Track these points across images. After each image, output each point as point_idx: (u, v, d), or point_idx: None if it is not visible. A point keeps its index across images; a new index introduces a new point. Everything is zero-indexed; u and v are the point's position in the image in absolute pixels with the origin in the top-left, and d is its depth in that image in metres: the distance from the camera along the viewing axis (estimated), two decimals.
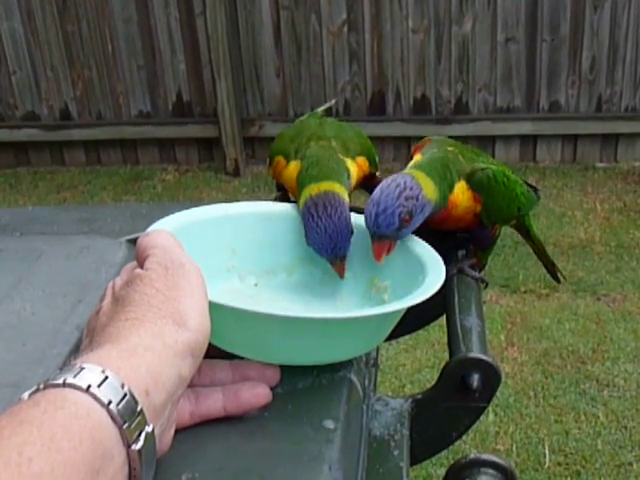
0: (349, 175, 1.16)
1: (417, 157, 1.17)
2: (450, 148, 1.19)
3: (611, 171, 5.12)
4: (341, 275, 1.06)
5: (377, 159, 1.29)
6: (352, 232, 1.05)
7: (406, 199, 1.03)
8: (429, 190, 1.06)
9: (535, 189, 1.37)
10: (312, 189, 1.08)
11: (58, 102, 5.69)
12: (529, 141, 5.26)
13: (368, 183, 1.27)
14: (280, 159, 1.22)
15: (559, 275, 1.55)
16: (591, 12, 4.90)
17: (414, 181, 1.05)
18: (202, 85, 5.49)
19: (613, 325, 3.49)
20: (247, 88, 5.46)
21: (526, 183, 1.33)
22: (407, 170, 1.09)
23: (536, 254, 1.49)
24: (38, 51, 5.56)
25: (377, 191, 1.04)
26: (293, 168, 1.17)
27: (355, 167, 1.19)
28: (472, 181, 1.14)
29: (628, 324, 3.49)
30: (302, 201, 1.08)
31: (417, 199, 1.04)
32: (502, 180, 1.18)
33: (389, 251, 1.03)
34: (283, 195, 1.30)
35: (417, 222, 1.05)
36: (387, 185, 1.04)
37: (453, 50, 5.13)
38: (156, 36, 5.42)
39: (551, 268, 1.52)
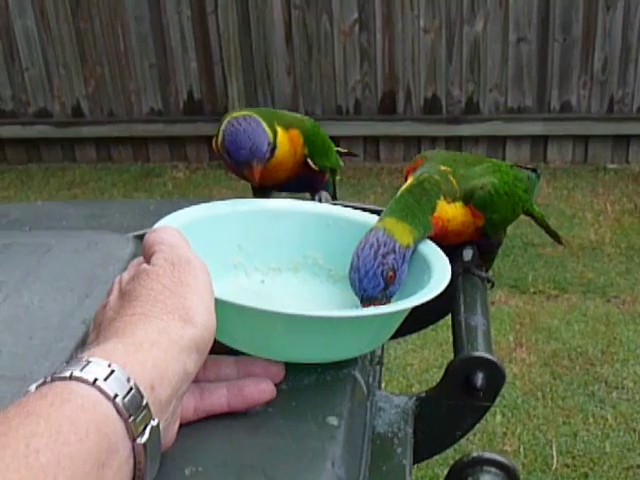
0: (275, 133, 1.21)
1: (409, 181, 1.16)
2: (443, 167, 1.17)
3: (622, 172, 5.11)
4: (254, 180, 1.16)
5: (324, 147, 1.36)
6: (270, 143, 1.16)
7: (383, 257, 1.00)
8: (404, 236, 1.03)
9: (533, 170, 1.37)
10: (236, 113, 1.19)
11: (70, 99, 5.71)
12: (540, 141, 5.25)
13: (315, 179, 1.35)
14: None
15: (561, 239, 1.55)
16: (604, 12, 4.89)
17: (386, 235, 1.02)
18: (213, 83, 5.51)
19: (622, 327, 3.48)
20: (258, 87, 5.46)
21: (521, 167, 1.33)
22: (378, 222, 1.07)
23: (539, 225, 1.47)
24: (51, 48, 5.59)
25: (354, 257, 1.01)
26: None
27: (283, 133, 1.24)
28: (473, 201, 1.13)
29: (638, 326, 3.48)
30: (223, 123, 1.19)
31: (395, 251, 1.01)
32: (504, 191, 1.17)
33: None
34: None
35: (402, 274, 1.02)
36: (361, 249, 1.01)
37: (464, 50, 5.13)
38: (168, 34, 5.43)
39: (554, 236, 1.51)
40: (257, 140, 1.14)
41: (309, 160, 1.30)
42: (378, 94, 5.34)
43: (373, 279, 1.00)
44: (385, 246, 1.01)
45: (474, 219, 1.15)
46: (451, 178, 1.15)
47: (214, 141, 1.27)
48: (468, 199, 1.14)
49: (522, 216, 1.32)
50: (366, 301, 1.01)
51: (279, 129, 1.23)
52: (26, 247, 1.17)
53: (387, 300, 1.01)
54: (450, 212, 1.13)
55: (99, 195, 5.29)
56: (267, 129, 1.18)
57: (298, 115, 1.35)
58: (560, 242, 1.56)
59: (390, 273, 1.00)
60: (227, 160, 1.20)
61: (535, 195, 1.38)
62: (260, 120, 1.17)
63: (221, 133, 1.19)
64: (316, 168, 1.32)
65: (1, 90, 5.75)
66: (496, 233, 1.22)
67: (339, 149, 1.49)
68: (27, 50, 5.62)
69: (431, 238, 1.10)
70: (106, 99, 5.68)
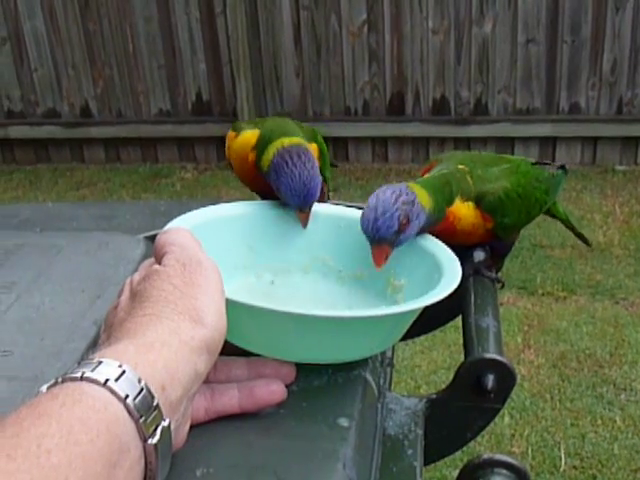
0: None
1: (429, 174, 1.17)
2: (461, 166, 1.17)
3: (631, 174, 5.09)
4: (304, 224, 1.09)
5: (328, 174, 1.31)
6: (406, 223, 1.04)
7: (403, 203, 1.02)
8: (423, 198, 1.05)
9: (561, 167, 1.36)
10: (283, 141, 1.09)
11: (79, 100, 5.73)
12: (548, 143, 5.24)
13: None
14: (230, 133, 1.22)
15: (588, 240, 1.56)
16: (613, 13, 4.88)
17: (408, 189, 1.04)
18: (222, 84, 5.51)
19: (631, 329, 3.46)
20: (266, 88, 5.47)
21: (548, 164, 1.32)
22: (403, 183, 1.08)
23: (565, 225, 1.47)
24: (60, 49, 5.60)
25: (372, 198, 1.03)
26: (247, 136, 1.17)
27: (311, 148, 1.18)
28: (482, 205, 1.13)
29: None
30: (272, 152, 1.08)
31: (413, 204, 1.03)
32: (516, 195, 1.17)
33: (388, 259, 1.03)
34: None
35: (413, 229, 1.04)
36: (382, 192, 1.03)
37: (473, 51, 5.12)
38: (177, 35, 5.44)
39: (580, 236, 1.51)
40: (313, 187, 1.06)
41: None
42: (387, 95, 5.33)
43: (389, 220, 1.00)
44: (406, 195, 1.03)
45: (484, 222, 1.15)
46: (468, 178, 1.15)
47: (236, 144, 1.21)
48: (479, 201, 1.14)
49: None
50: (376, 242, 1.01)
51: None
52: (37, 248, 1.17)
53: (391, 251, 1.02)
54: (463, 211, 1.13)
55: (107, 196, 5.30)
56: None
57: (306, 126, 1.29)
58: (587, 243, 1.56)
59: (404, 220, 1.01)
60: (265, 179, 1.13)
61: (559, 191, 1.37)
62: (311, 154, 1.09)
63: (269, 164, 1.09)
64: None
65: (10, 91, 5.77)
66: (508, 236, 1.21)
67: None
68: (36, 51, 5.64)
69: (439, 236, 1.11)
70: (115, 100, 5.70)
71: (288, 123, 1.19)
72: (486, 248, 1.25)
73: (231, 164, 1.24)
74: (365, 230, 1.02)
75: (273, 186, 1.09)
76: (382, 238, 1.01)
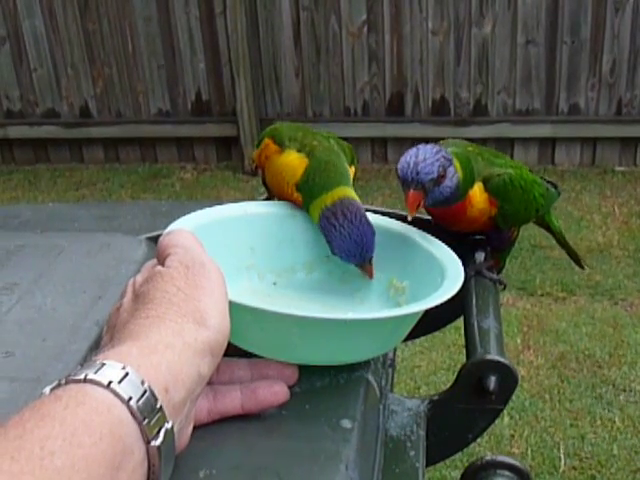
0: (351, 182, 1.13)
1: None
2: (470, 148, 1.19)
3: (630, 175, 5.10)
4: (371, 276, 1.06)
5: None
6: (374, 232, 1.04)
7: (443, 157, 1.04)
8: (457, 165, 1.08)
9: (554, 185, 1.37)
10: (326, 199, 1.05)
11: (78, 100, 5.72)
12: (548, 144, 5.24)
13: None
14: (269, 141, 1.16)
15: (582, 263, 1.56)
16: (612, 15, 4.88)
17: (448, 153, 1.07)
18: (221, 84, 5.51)
19: (630, 329, 3.47)
20: (266, 88, 5.47)
21: (545, 180, 1.33)
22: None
23: (558, 244, 1.49)
24: (59, 49, 5.60)
25: (412, 149, 1.04)
26: (295, 160, 1.12)
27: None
28: (489, 185, 1.14)
29: None
30: (317, 213, 1.05)
31: (450, 162, 1.05)
32: (519, 184, 1.18)
33: (419, 206, 1.03)
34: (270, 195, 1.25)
35: (446, 189, 1.05)
36: (423, 145, 1.05)
37: (472, 52, 5.12)
38: (176, 35, 5.44)
39: (574, 256, 1.52)
40: (367, 243, 1.03)
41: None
42: (386, 96, 5.33)
43: (430, 166, 1.02)
44: (446, 153, 1.05)
45: (490, 207, 1.15)
46: (479, 158, 1.16)
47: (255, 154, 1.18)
48: (486, 182, 1.14)
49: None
50: (413, 186, 1.02)
51: (350, 169, 1.15)
52: (38, 249, 1.17)
53: (424, 201, 1.03)
54: (478, 197, 1.14)
55: (107, 196, 5.30)
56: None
57: (346, 144, 1.23)
58: (580, 265, 1.56)
59: (443, 172, 1.03)
60: None
61: (551, 208, 1.38)
62: (358, 206, 1.05)
63: (317, 222, 1.06)
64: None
65: (9, 90, 5.77)
66: (506, 225, 1.21)
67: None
68: (35, 51, 5.63)
69: (447, 215, 1.11)
70: (114, 100, 5.69)
71: (332, 152, 1.13)
72: (486, 249, 1.25)
73: (261, 169, 1.20)
74: (404, 173, 1.02)
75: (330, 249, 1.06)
76: (420, 182, 1.02)
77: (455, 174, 1.07)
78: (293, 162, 1.12)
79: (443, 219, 1.17)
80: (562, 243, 1.48)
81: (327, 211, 1.04)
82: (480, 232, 1.24)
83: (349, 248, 1.02)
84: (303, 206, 1.09)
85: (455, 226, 1.19)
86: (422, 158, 1.03)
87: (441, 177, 1.03)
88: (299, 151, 1.13)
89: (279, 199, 1.17)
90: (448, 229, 1.18)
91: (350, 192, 1.06)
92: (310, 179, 1.08)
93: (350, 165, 1.16)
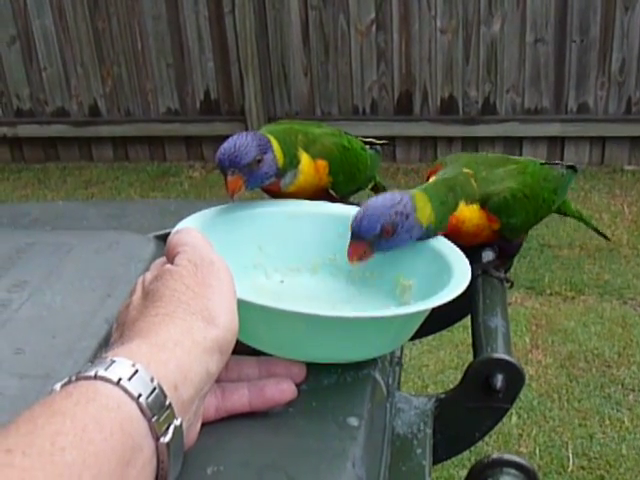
0: (296, 163, 1.16)
1: (433, 179, 1.18)
2: (465, 170, 1.18)
3: (639, 174, 5.08)
4: (230, 192, 1.07)
5: (353, 173, 1.28)
6: (260, 161, 1.07)
7: (395, 213, 1.03)
8: (424, 214, 1.05)
9: (571, 166, 1.36)
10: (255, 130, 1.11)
11: (87, 99, 5.74)
12: (557, 143, 5.23)
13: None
14: None
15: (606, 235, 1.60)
16: (622, 13, 4.86)
17: (411, 202, 1.05)
18: (230, 83, 5.52)
19: (639, 329, 3.46)
20: (274, 87, 5.47)
21: (558, 163, 1.33)
22: (413, 190, 1.09)
23: (579, 221, 1.49)
24: (69, 48, 5.62)
25: (373, 198, 1.05)
26: None
27: (310, 164, 1.18)
28: (488, 206, 1.14)
29: None
30: None
31: (407, 217, 1.04)
32: (523, 194, 1.17)
33: (363, 258, 1.03)
34: None
35: (402, 241, 1.05)
36: (384, 196, 1.05)
37: (481, 50, 5.11)
38: (185, 34, 5.45)
39: (596, 230, 1.53)
40: (241, 151, 1.06)
41: (331, 190, 1.24)
42: (395, 94, 5.33)
43: (373, 222, 1.02)
44: (404, 207, 1.04)
45: (489, 223, 1.15)
46: (472, 181, 1.15)
47: None
48: (484, 203, 1.14)
49: None
50: (354, 238, 1.03)
51: (305, 157, 1.17)
52: (48, 247, 1.17)
53: (369, 252, 1.03)
54: (466, 214, 1.13)
55: (116, 194, 5.31)
56: (276, 152, 1.11)
57: (332, 138, 1.25)
58: (606, 237, 1.62)
59: (389, 228, 1.02)
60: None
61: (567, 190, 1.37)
62: (268, 140, 1.10)
63: None
64: (337, 197, 1.25)
65: (19, 89, 5.79)
66: (516, 236, 1.22)
67: (372, 141, 1.42)
68: (45, 50, 5.66)
69: (446, 236, 1.11)
70: (123, 98, 5.71)
71: (305, 134, 1.19)
72: (495, 248, 1.25)
73: None
74: (351, 223, 1.03)
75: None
76: (359, 235, 1.03)
77: (415, 224, 1.05)
78: None
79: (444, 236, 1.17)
80: (583, 221, 1.47)
81: (242, 133, 1.09)
82: (489, 243, 1.23)
83: (225, 147, 1.06)
84: None
85: (459, 240, 1.18)
86: (369, 213, 1.03)
87: (387, 232, 1.03)
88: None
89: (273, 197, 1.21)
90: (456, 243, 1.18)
91: (274, 141, 1.11)
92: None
93: (318, 158, 1.19)
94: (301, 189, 1.18)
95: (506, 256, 1.25)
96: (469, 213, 1.13)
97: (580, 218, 1.44)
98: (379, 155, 1.42)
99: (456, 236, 1.13)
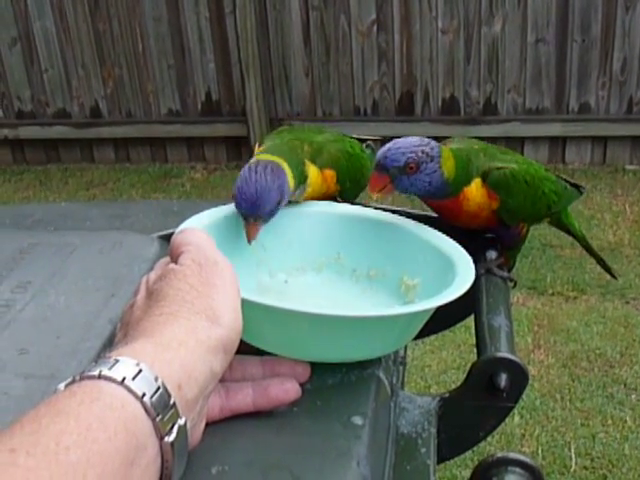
0: (305, 178, 1.14)
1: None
2: (475, 146, 1.20)
3: None
4: (249, 238, 1.03)
5: (360, 179, 1.27)
6: (280, 202, 1.04)
7: (422, 152, 1.06)
8: (447, 165, 1.08)
9: (577, 186, 1.36)
10: (264, 156, 1.08)
11: (89, 100, 5.74)
12: (558, 143, 5.23)
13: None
14: (257, 146, 1.22)
15: (613, 272, 1.58)
16: (623, 13, 4.86)
17: (438, 149, 1.08)
18: (231, 84, 5.52)
19: None
20: (276, 87, 5.47)
21: (566, 180, 1.33)
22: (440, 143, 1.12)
23: (586, 251, 1.49)
24: (70, 49, 5.62)
25: (402, 138, 1.07)
26: (257, 152, 1.17)
27: (318, 176, 1.17)
28: (488, 179, 1.15)
29: None
30: (249, 163, 1.07)
31: (432, 159, 1.07)
32: (523, 178, 1.18)
33: (383, 191, 1.06)
34: None
35: (422, 183, 1.08)
36: (412, 137, 1.08)
37: (482, 51, 5.11)
38: (186, 35, 5.45)
39: (602, 264, 1.52)
40: (264, 199, 1.02)
41: (338, 198, 1.24)
42: (396, 95, 5.33)
43: (399, 155, 1.06)
44: (431, 149, 1.08)
45: (490, 201, 1.15)
46: (482, 155, 1.17)
47: None
48: (485, 177, 1.14)
49: None
50: (377, 169, 1.07)
51: (312, 170, 1.16)
52: (51, 247, 1.18)
53: (390, 187, 1.08)
54: (474, 193, 1.14)
55: (117, 195, 5.31)
56: (290, 178, 1.07)
57: (337, 144, 1.24)
58: (612, 274, 1.59)
59: (412, 164, 1.06)
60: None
61: (569, 205, 1.38)
62: (283, 170, 1.06)
63: (247, 164, 1.08)
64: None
65: (20, 91, 5.79)
66: (512, 220, 1.21)
67: (365, 138, 1.41)
68: (46, 51, 5.66)
69: (444, 210, 1.12)
70: (124, 100, 5.71)
71: (296, 151, 1.16)
72: (497, 247, 1.25)
73: None
74: (377, 154, 1.06)
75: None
76: (383, 166, 1.05)
77: (438, 171, 1.08)
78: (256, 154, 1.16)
79: (441, 213, 1.18)
80: (588, 250, 1.47)
81: (254, 163, 1.05)
82: (487, 228, 1.23)
83: (246, 193, 1.02)
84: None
85: (457, 221, 1.19)
86: (397, 146, 1.06)
87: (409, 168, 1.05)
88: (268, 146, 1.18)
89: None
90: (454, 224, 1.19)
91: (287, 168, 1.08)
92: (262, 152, 1.13)
93: (326, 168, 1.18)
94: (308, 198, 1.17)
95: (506, 248, 1.25)
96: (475, 190, 1.14)
97: (584, 240, 1.44)
98: (374, 154, 1.41)
99: (456, 215, 1.14)
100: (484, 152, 1.18)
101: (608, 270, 1.54)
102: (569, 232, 1.41)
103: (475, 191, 1.14)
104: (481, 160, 1.16)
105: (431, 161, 1.07)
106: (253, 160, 1.07)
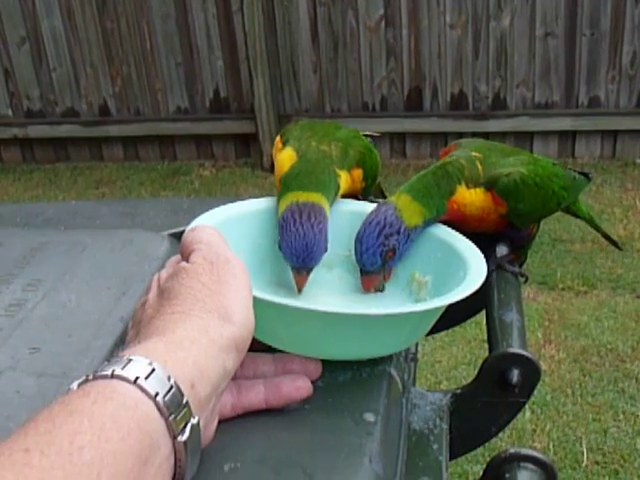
0: (338, 189, 1.12)
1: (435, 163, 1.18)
2: (474, 154, 1.17)
3: None
4: (300, 288, 1.03)
5: (377, 175, 1.26)
6: (326, 249, 1.03)
7: (386, 237, 1.04)
8: (413, 216, 1.06)
9: (585, 174, 1.36)
10: (299, 195, 1.04)
11: (97, 98, 5.75)
12: (568, 137, 5.21)
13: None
14: (278, 139, 1.19)
15: (619, 245, 1.59)
16: (632, 6, 4.84)
17: (394, 215, 1.05)
18: (239, 81, 5.52)
19: None
20: (284, 84, 5.47)
21: (572, 169, 1.32)
22: (392, 197, 1.09)
23: (593, 228, 1.48)
24: (78, 48, 5.63)
25: (361, 228, 1.06)
26: (286, 156, 1.13)
27: (348, 179, 1.15)
28: (496, 187, 1.13)
29: None
30: (285, 205, 1.03)
31: (399, 233, 1.05)
32: (533, 182, 1.16)
33: (380, 285, 1.07)
34: None
35: (407, 249, 1.07)
36: (369, 223, 1.05)
37: (491, 45, 5.10)
38: (194, 33, 5.45)
39: (609, 239, 1.52)
40: (315, 251, 1.01)
41: (360, 197, 1.22)
42: (404, 90, 5.32)
43: (372, 257, 1.04)
44: (391, 227, 1.05)
45: (495, 206, 1.14)
46: (478, 164, 1.15)
47: (280, 155, 1.16)
48: (491, 185, 1.14)
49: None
50: (365, 274, 1.05)
51: (343, 176, 1.13)
52: (62, 246, 1.18)
53: (386, 274, 1.06)
54: (468, 197, 1.13)
55: (127, 194, 5.32)
56: (327, 213, 1.05)
57: (358, 140, 1.22)
58: (617, 246, 1.58)
59: (390, 253, 1.04)
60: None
61: (578, 195, 1.37)
62: (323, 211, 1.03)
63: (279, 218, 1.04)
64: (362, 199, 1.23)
65: (29, 90, 5.81)
66: (524, 224, 1.21)
67: (365, 133, 1.35)
68: (54, 50, 5.67)
69: (449, 223, 1.11)
70: (133, 98, 5.72)
71: (325, 160, 1.12)
72: (508, 242, 1.25)
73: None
74: (357, 261, 1.06)
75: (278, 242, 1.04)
76: (368, 271, 1.05)
77: (410, 232, 1.06)
78: (285, 157, 1.13)
79: (448, 224, 1.17)
80: (596, 228, 1.47)
81: (295, 205, 1.02)
82: (496, 231, 1.23)
83: (297, 247, 1.00)
84: (278, 196, 1.08)
85: (465, 227, 1.18)
86: (365, 248, 1.04)
87: (389, 257, 1.05)
88: (296, 149, 1.14)
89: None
90: (465, 230, 1.18)
91: (324, 201, 1.05)
92: (294, 174, 1.08)
93: (354, 168, 1.17)
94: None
95: (517, 247, 1.25)
96: (471, 196, 1.13)
97: (591, 222, 1.44)
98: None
99: (461, 221, 1.13)
100: (481, 161, 1.16)
101: (614, 243, 1.54)
102: (577, 216, 1.40)
103: (469, 196, 1.13)
104: (477, 171, 1.14)
105: (399, 234, 1.05)
106: (293, 202, 1.03)
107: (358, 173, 1.18)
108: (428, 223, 1.09)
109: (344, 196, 1.16)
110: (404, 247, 1.06)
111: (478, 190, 1.13)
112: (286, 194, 1.05)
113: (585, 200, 4.50)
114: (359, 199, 1.21)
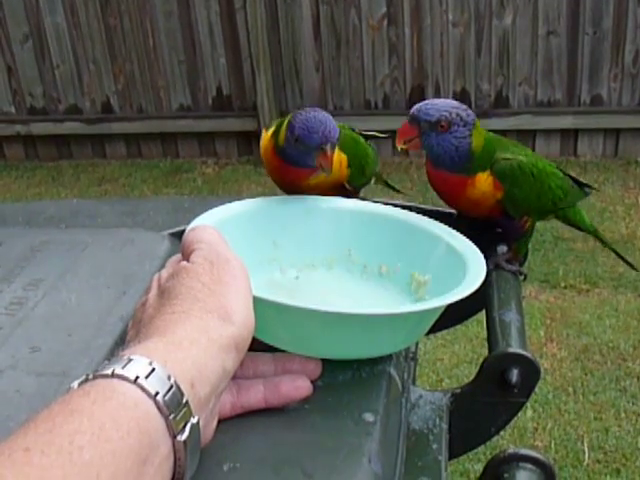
0: None
1: None
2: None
3: None
4: (328, 166, 1.08)
5: (366, 166, 1.29)
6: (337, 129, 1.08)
7: (457, 114, 1.08)
8: (477, 139, 1.10)
9: (585, 185, 1.36)
10: (300, 111, 1.11)
11: (100, 96, 5.76)
12: (570, 135, 5.20)
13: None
14: (264, 133, 1.23)
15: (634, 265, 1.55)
16: (634, 4, 4.83)
17: (473, 116, 1.10)
18: (242, 79, 5.52)
19: None
20: (286, 82, 5.47)
21: (574, 179, 1.33)
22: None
23: (605, 246, 1.48)
24: (81, 45, 5.63)
25: (442, 99, 1.10)
26: (265, 138, 1.20)
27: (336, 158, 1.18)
28: (495, 169, 1.15)
29: None
30: (286, 121, 1.11)
31: (465, 124, 1.09)
32: (530, 171, 1.18)
33: (409, 143, 1.09)
34: None
35: (448, 145, 1.09)
36: (455, 100, 1.10)
37: (493, 44, 5.09)
38: (197, 30, 5.45)
39: (619, 256, 1.51)
40: (329, 124, 1.07)
41: (346, 184, 1.24)
42: (407, 88, 5.32)
43: (434, 110, 1.08)
44: (467, 116, 1.10)
45: (494, 191, 1.15)
46: (500, 146, 1.18)
47: (264, 140, 1.21)
48: (492, 166, 1.15)
49: None
50: (408, 120, 1.09)
51: None
52: (63, 245, 1.18)
53: (417, 142, 1.10)
54: (480, 181, 1.15)
55: (129, 191, 5.32)
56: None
57: (344, 130, 1.25)
58: (632, 266, 1.55)
59: (445, 123, 1.08)
60: (287, 159, 1.14)
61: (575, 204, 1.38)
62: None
63: (286, 126, 1.11)
64: (350, 189, 1.25)
65: (32, 87, 5.81)
66: (517, 212, 1.21)
67: (369, 134, 1.42)
68: (57, 47, 5.67)
69: (444, 195, 1.13)
70: (135, 95, 5.72)
71: None
72: (508, 242, 1.25)
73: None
74: (412, 108, 1.08)
75: (291, 146, 1.10)
76: (416, 117, 1.07)
77: (467, 138, 1.09)
78: (264, 139, 1.21)
79: (442, 193, 1.18)
80: (604, 243, 1.46)
81: (296, 112, 1.10)
82: (489, 217, 1.23)
83: (313, 125, 1.06)
84: (274, 148, 1.15)
85: (456, 204, 1.19)
86: (435, 102, 1.08)
87: (440, 126, 1.07)
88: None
89: (273, 178, 1.22)
90: (452, 207, 1.19)
91: None
92: (281, 122, 1.16)
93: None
94: (322, 182, 1.17)
95: (510, 239, 1.25)
96: (482, 180, 1.15)
97: (596, 235, 1.44)
98: (376, 152, 1.42)
99: (455, 198, 1.14)
100: (496, 143, 1.19)
101: (627, 262, 1.52)
102: (580, 229, 1.40)
103: (482, 180, 1.14)
104: (499, 151, 1.17)
105: (464, 126, 1.09)
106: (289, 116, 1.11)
107: (342, 157, 1.20)
108: (467, 159, 1.11)
109: (331, 185, 1.19)
110: (452, 139, 1.08)
111: (486, 172, 1.15)
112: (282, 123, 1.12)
113: (587, 199, 4.48)
114: (346, 188, 1.23)
